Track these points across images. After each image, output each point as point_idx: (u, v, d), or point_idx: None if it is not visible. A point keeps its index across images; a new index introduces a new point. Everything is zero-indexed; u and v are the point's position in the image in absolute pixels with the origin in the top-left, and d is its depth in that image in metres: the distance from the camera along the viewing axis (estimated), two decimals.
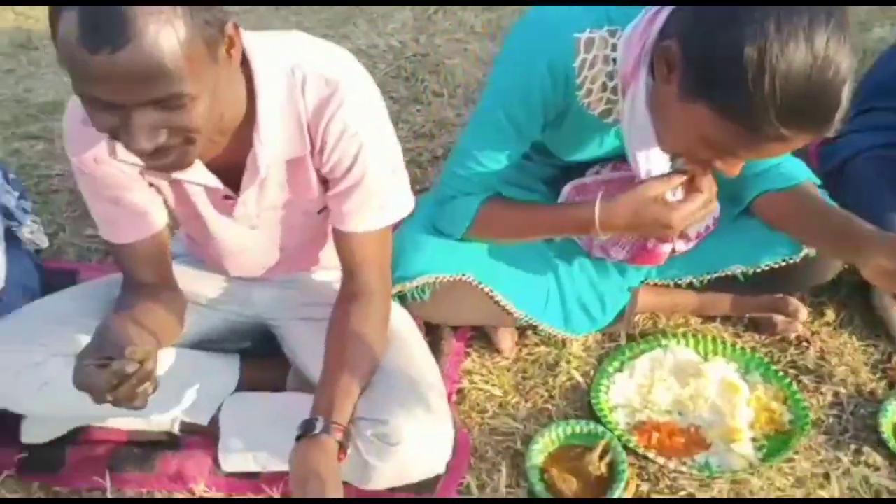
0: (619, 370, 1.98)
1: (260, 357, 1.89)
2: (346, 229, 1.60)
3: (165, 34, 1.22)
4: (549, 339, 2.04)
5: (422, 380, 1.64)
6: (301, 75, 1.48)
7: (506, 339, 2.01)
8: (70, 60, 1.24)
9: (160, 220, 1.65)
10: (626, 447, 1.79)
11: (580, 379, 1.98)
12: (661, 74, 1.48)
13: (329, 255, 1.82)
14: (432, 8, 3.12)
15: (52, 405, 1.65)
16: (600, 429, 1.82)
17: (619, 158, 1.88)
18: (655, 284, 2.04)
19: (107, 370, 1.32)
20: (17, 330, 1.64)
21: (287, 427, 1.66)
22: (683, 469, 1.78)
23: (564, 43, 1.61)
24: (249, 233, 1.67)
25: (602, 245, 1.93)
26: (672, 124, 1.52)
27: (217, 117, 1.37)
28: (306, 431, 1.51)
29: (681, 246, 1.88)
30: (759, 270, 1.91)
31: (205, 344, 1.84)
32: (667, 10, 1.53)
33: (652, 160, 1.67)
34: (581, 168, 1.96)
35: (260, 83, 1.45)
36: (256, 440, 1.70)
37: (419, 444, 1.56)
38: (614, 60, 1.62)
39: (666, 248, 1.86)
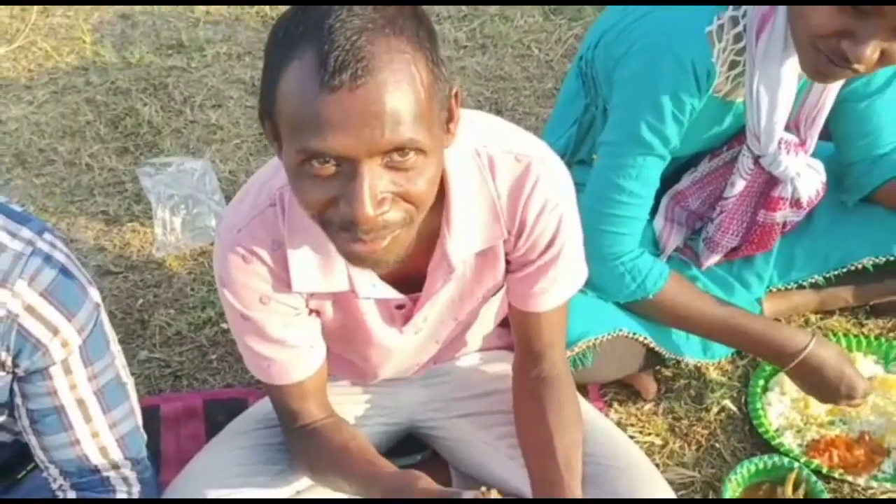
0: (768, 388, 1.90)
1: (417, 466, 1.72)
2: (536, 310, 1.46)
3: (409, 74, 1.10)
4: (683, 371, 1.94)
5: (641, 460, 1.52)
6: (488, 156, 1.34)
7: (648, 381, 1.90)
8: (299, 109, 1.10)
9: (323, 348, 1.47)
10: (815, 472, 1.72)
11: (733, 407, 1.89)
12: None
13: (473, 338, 1.67)
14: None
15: None
16: (784, 460, 1.74)
17: (724, 143, 1.82)
18: (778, 290, 1.97)
19: None
20: None
21: None
22: (875, 484, 1.73)
23: (700, 42, 1.56)
24: (412, 338, 1.50)
25: (713, 237, 1.85)
26: (808, 12, 1.44)
27: (433, 194, 1.21)
28: None
29: (792, 216, 1.82)
30: (890, 259, 1.87)
31: None
32: None
33: (776, 111, 1.62)
34: (679, 171, 1.87)
35: (451, 167, 1.29)
36: None
37: None
38: (745, 29, 1.56)
39: (777, 218, 1.80)
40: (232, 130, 2.62)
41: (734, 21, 1.57)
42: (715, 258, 1.89)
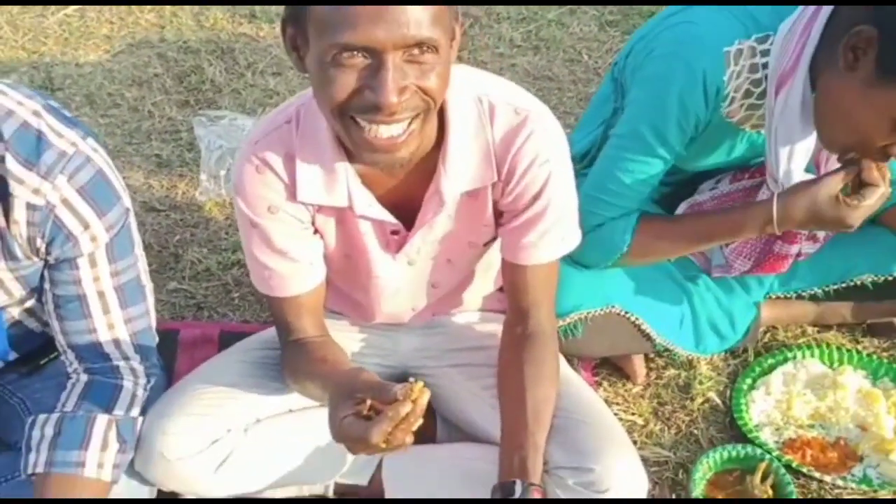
0: (754, 387, 1.97)
1: None
2: (523, 262, 1.56)
3: None
4: (675, 362, 2.02)
5: (611, 421, 1.61)
6: (488, 104, 1.46)
7: (639, 366, 1.98)
8: (330, 7, 1.25)
9: (322, 269, 1.59)
10: (786, 467, 1.78)
11: (717, 399, 1.96)
12: (847, 63, 1.48)
13: (472, 296, 1.78)
14: (468, 21, 3.06)
15: (229, 483, 1.57)
16: (757, 451, 1.80)
17: (740, 168, 1.88)
18: (777, 297, 2.03)
19: (384, 418, 1.25)
20: (189, 408, 1.55)
21: (461, 480, 1.62)
22: (840, 483, 1.78)
23: (715, 58, 1.61)
24: (406, 270, 1.62)
25: (726, 258, 1.91)
26: (855, 113, 1.52)
27: (444, 95, 1.37)
28: (505, 496, 1.46)
29: (808, 248, 1.88)
30: (890, 278, 1.92)
31: None
32: (826, 10, 1.54)
33: (794, 158, 1.67)
34: (695, 182, 1.95)
35: (451, 109, 1.43)
36: (429, 496, 1.64)
37: (626, 487, 1.51)
38: (763, 66, 1.62)
39: (793, 251, 1.85)
40: (287, 97, 2.75)
41: (753, 52, 1.62)
42: (725, 274, 1.95)
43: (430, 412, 1.81)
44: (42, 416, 1.50)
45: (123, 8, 3.10)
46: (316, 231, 1.56)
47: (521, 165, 1.48)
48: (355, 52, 1.27)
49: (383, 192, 1.51)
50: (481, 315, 1.82)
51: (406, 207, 1.52)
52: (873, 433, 1.86)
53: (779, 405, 1.93)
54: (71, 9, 3.07)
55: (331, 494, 1.73)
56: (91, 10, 3.09)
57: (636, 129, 1.70)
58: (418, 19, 1.25)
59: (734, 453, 1.81)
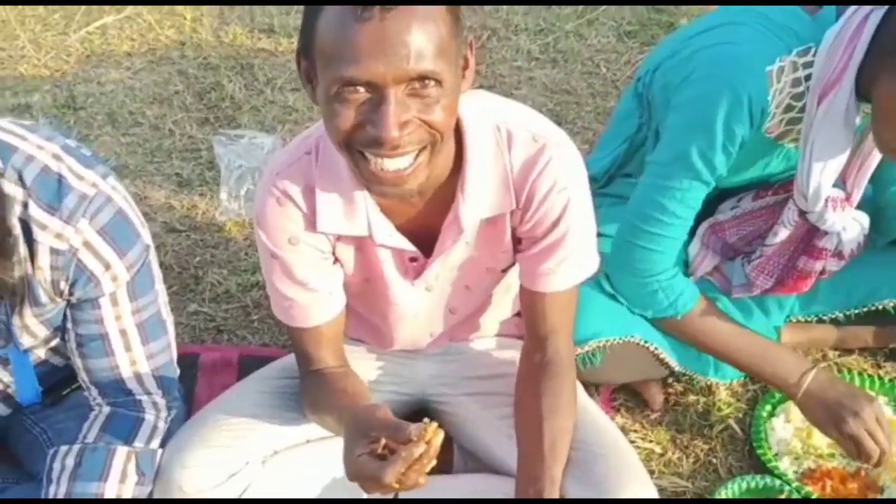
0: (773, 414, 1.95)
1: None
2: (541, 289, 1.56)
3: (434, 13, 1.27)
4: (694, 387, 2.01)
5: (628, 452, 1.61)
6: (507, 131, 1.47)
7: (657, 392, 1.97)
8: (335, 40, 1.26)
9: (342, 299, 1.60)
10: (806, 499, 1.77)
11: (736, 427, 1.95)
12: None
13: (490, 321, 1.78)
14: (485, 34, 3.06)
15: None
16: (776, 482, 1.79)
17: (768, 183, 1.88)
18: (798, 321, 2.02)
19: (397, 458, 1.26)
20: (208, 440, 1.56)
21: None
22: None
23: (759, 80, 1.61)
24: (424, 296, 1.62)
25: (748, 276, 1.90)
26: None
27: (451, 126, 1.36)
28: None
29: (832, 266, 1.86)
30: None
31: None
32: (876, 17, 1.54)
33: (825, 173, 1.67)
34: (716, 201, 1.93)
35: (469, 136, 1.44)
36: None
37: None
38: (805, 78, 1.62)
39: (817, 267, 1.84)
40: (306, 114, 2.78)
41: (794, 66, 1.62)
42: (746, 294, 1.94)
43: (448, 440, 1.81)
44: (63, 448, 1.52)
45: (144, 25, 3.13)
46: (336, 260, 1.57)
47: (540, 192, 1.48)
48: (357, 87, 1.28)
49: (402, 221, 1.52)
50: (498, 341, 1.82)
51: (425, 235, 1.53)
52: (893, 462, 1.84)
53: (798, 433, 1.92)
54: (93, 26, 3.10)
55: None
56: (112, 28, 3.11)
57: (680, 156, 1.69)
58: (420, 53, 1.25)
59: (753, 484, 1.79)
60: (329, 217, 1.49)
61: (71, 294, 1.47)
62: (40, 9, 3.17)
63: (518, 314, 1.80)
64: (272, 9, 3.15)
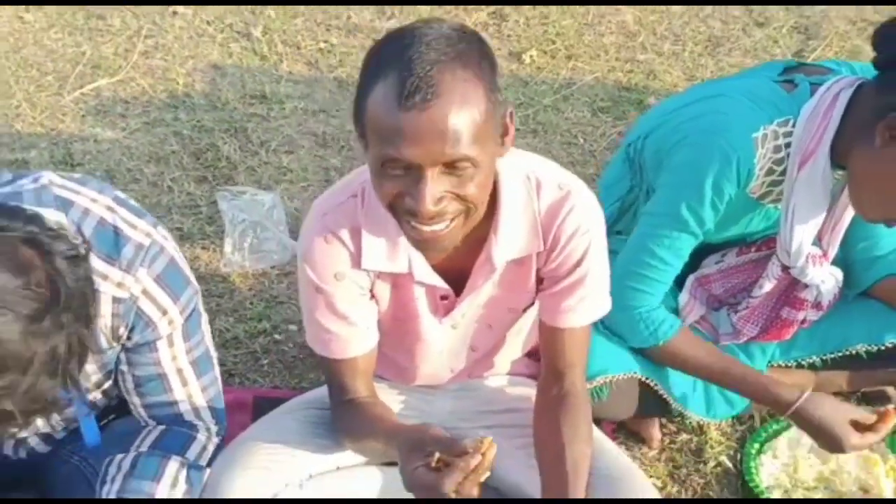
0: (762, 451, 2.09)
1: None
2: (561, 325, 1.69)
3: (469, 100, 1.39)
4: (687, 427, 2.14)
5: (640, 476, 1.73)
6: (536, 179, 1.61)
7: (655, 430, 2.10)
8: (380, 123, 1.40)
9: (376, 335, 1.71)
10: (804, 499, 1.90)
11: (728, 463, 2.09)
12: (884, 141, 1.69)
13: (503, 360, 1.90)
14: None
15: None
16: None
17: (749, 241, 2.06)
18: (779, 366, 2.18)
19: (455, 469, 1.36)
20: (250, 462, 1.63)
21: None
22: None
23: (746, 144, 1.80)
24: (449, 333, 1.74)
25: (734, 326, 2.06)
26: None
27: (486, 196, 1.50)
28: None
29: (812, 315, 2.04)
30: (882, 348, 2.08)
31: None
32: (845, 95, 1.76)
33: (806, 233, 1.87)
34: (700, 256, 2.10)
35: (504, 185, 1.57)
36: None
37: None
38: (786, 146, 1.82)
39: (799, 317, 2.02)
40: (301, 174, 2.90)
41: (775, 135, 1.81)
42: (733, 341, 2.10)
43: None
44: (119, 455, 1.59)
45: (137, 88, 3.23)
46: (372, 297, 1.67)
47: (565, 235, 1.62)
48: (398, 164, 1.42)
49: (437, 261, 1.64)
50: (510, 379, 1.94)
51: (456, 274, 1.66)
52: (874, 496, 1.99)
53: (785, 468, 2.06)
54: (87, 88, 3.19)
55: None
56: (106, 90, 3.20)
57: (672, 209, 1.86)
58: (457, 139, 1.39)
59: None
60: (373, 255, 1.61)
61: (129, 339, 1.55)
62: (34, 70, 3.25)
63: (527, 355, 1.93)
64: (264, 76, 3.29)
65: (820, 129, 1.78)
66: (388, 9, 3.58)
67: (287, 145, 3.01)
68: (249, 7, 3.54)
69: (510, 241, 1.62)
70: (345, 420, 1.68)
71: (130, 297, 1.50)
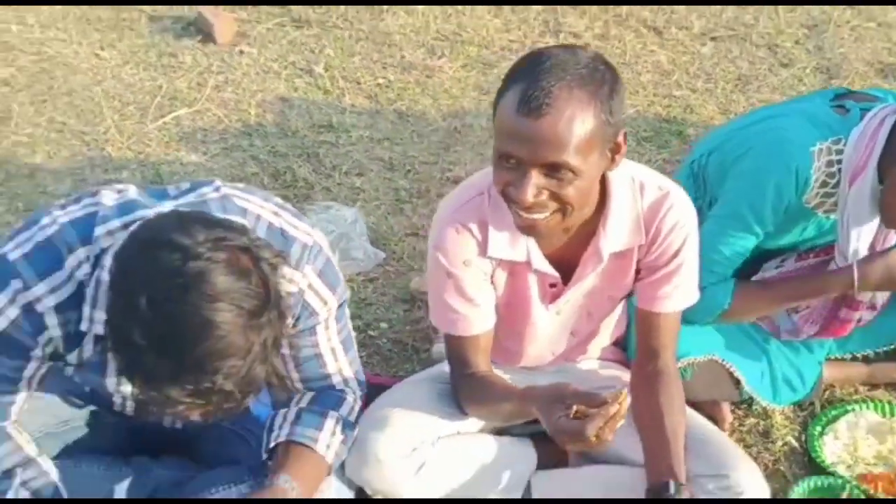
0: (824, 433, 2.29)
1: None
2: (658, 310, 1.90)
3: (578, 119, 1.60)
4: (753, 412, 2.34)
5: (728, 439, 1.95)
6: (639, 182, 1.84)
7: (727, 412, 2.30)
8: (503, 122, 1.65)
9: (494, 316, 1.92)
10: (865, 494, 2.09)
11: (795, 443, 2.28)
12: None
13: (595, 346, 2.11)
14: None
15: (425, 486, 1.84)
16: (839, 480, 2.12)
17: (804, 249, 2.27)
18: (835, 359, 2.39)
19: (597, 415, 1.58)
20: (394, 420, 1.85)
21: (603, 493, 1.91)
22: None
23: (805, 156, 2.04)
24: (554, 319, 1.96)
25: (795, 324, 2.28)
26: None
27: (585, 200, 1.72)
28: (659, 494, 1.75)
29: (867, 315, 2.25)
30: None
31: (498, 429, 2.05)
32: (890, 120, 2.00)
33: (861, 238, 2.09)
34: (758, 262, 2.32)
35: (613, 185, 1.80)
36: None
37: (755, 490, 1.85)
38: (837, 162, 2.05)
39: (856, 317, 2.23)
40: (373, 194, 3.12)
41: (829, 151, 2.05)
42: (793, 338, 2.32)
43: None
44: (283, 409, 1.78)
45: (213, 117, 3.46)
46: (491, 282, 1.89)
47: (665, 229, 1.85)
48: (510, 159, 1.65)
49: (549, 251, 1.86)
50: (600, 363, 2.15)
51: (565, 264, 1.88)
52: None
53: (847, 448, 2.26)
54: (169, 117, 3.42)
55: None
56: (185, 119, 3.44)
57: (737, 210, 2.10)
58: (559, 147, 1.62)
59: (819, 483, 2.12)
60: (498, 244, 1.83)
61: (294, 326, 1.74)
62: (116, 101, 3.48)
63: (615, 343, 2.14)
64: (329, 108, 3.52)
65: (867, 148, 2.02)
66: (438, 48, 3.85)
67: (357, 168, 3.24)
68: (310, 46, 3.81)
69: (616, 235, 1.84)
70: (469, 389, 1.89)
71: (299, 291, 1.69)
